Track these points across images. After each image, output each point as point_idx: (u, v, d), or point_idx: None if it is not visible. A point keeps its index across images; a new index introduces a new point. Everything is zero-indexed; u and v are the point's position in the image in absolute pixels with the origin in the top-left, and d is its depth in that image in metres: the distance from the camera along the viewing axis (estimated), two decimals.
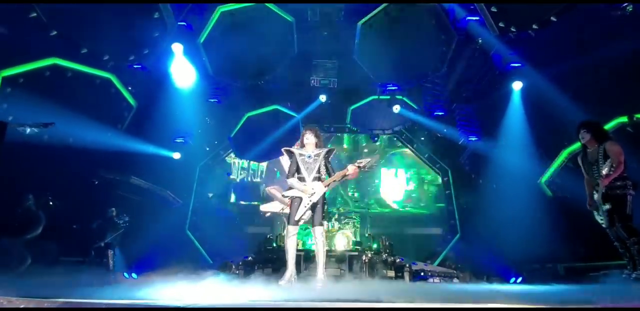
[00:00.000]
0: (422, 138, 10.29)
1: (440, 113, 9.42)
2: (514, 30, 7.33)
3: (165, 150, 9.20)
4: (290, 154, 4.29)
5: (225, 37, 8.11)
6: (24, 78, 6.67)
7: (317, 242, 4.02)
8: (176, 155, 9.50)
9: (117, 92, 7.68)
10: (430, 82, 9.23)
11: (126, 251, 7.54)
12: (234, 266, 6.38)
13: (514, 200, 8.26)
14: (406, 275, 6.75)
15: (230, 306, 2.44)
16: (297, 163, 4.19)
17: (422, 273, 7.68)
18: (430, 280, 7.44)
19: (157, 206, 8.99)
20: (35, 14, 6.31)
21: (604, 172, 3.89)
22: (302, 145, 4.32)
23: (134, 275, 7.46)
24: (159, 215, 8.77)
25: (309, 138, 4.27)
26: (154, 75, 8.41)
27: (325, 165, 4.22)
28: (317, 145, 4.31)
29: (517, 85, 8.89)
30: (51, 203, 6.57)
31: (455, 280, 7.77)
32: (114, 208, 7.47)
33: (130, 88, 8.23)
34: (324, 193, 4.12)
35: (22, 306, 1.87)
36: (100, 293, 2.81)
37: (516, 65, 8.72)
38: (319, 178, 4.12)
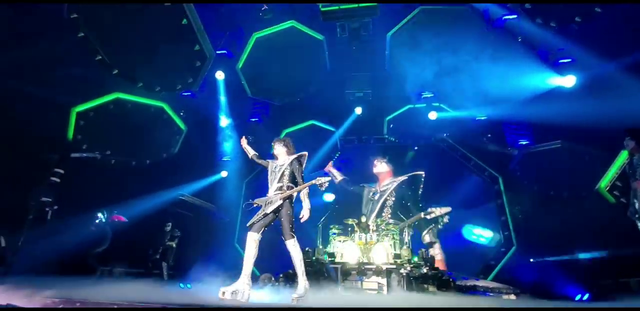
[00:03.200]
0: (467, 145, 9.78)
1: (483, 117, 8.97)
2: (553, 25, 6.84)
3: (214, 175, 9.88)
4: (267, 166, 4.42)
5: (261, 61, 8.69)
6: (94, 112, 7.78)
7: (292, 255, 4.05)
8: (224, 174, 10.18)
9: (169, 118, 8.57)
10: (469, 85, 8.85)
11: (181, 263, 8.17)
12: (273, 278, 6.58)
13: (575, 208, 7.48)
14: (451, 290, 6.39)
15: (230, 307, 2.60)
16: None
17: (473, 289, 7.19)
18: (483, 296, 6.93)
19: (207, 221, 9.64)
20: (100, 57, 7.41)
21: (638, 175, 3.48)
22: (276, 157, 4.44)
23: (188, 285, 8.04)
24: (210, 229, 9.39)
25: (277, 148, 4.40)
26: (201, 101, 9.24)
27: (292, 173, 4.17)
28: (287, 154, 4.36)
29: (569, 81, 8.19)
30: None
31: (512, 296, 7.17)
32: (169, 223, 8.19)
33: (182, 113, 9.13)
34: (289, 205, 4.07)
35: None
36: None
37: (565, 60, 8.12)
38: (280, 188, 4.12)
